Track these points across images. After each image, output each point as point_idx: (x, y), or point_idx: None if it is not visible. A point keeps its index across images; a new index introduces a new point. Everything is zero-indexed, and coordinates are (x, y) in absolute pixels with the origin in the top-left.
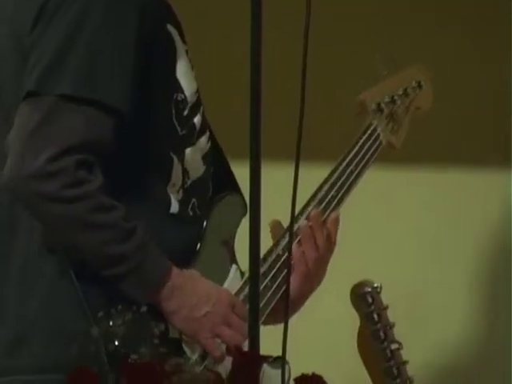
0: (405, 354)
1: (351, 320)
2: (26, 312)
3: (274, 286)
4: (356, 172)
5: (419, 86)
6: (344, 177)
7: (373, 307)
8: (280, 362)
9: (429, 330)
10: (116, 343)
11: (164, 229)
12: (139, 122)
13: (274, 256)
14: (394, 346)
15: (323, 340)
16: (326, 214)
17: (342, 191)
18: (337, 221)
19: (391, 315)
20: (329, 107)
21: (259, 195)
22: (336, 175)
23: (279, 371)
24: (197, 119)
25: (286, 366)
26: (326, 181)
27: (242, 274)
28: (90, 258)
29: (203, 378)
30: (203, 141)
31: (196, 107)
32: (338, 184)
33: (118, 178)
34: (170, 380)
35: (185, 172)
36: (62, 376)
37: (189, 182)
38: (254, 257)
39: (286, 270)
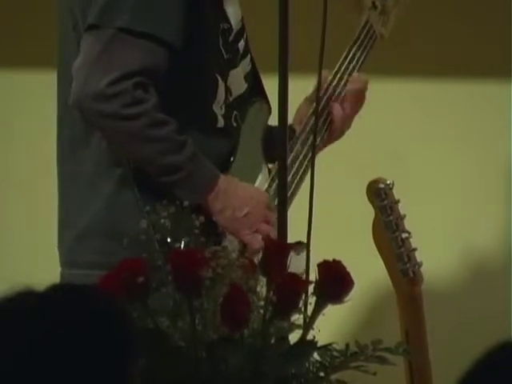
0: (413, 243)
1: (366, 214)
2: (88, 212)
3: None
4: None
5: None
6: (350, 67)
7: (386, 201)
8: (299, 247)
9: (438, 220)
10: (161, 233)
11: (213, 141)
12: (190, 51)
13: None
14: (404, 235)
15: (342, 231)
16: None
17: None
18: (360, 80)
19: (402, 209)
20: None
21: (287, 103)
22: (343, 68)
23: (298, 256)
24: (240, 44)
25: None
26: (336, 73)
27: (270, 171)
28: (148, 167)
29: (238, 263)
30: (245, 62)
31: (240, 33)
32: (349, 68)
33: (172, 100)
34: (209, 265)
35: (227, 90)
36: None
37: (231, 99)
38: (282, 148)
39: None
